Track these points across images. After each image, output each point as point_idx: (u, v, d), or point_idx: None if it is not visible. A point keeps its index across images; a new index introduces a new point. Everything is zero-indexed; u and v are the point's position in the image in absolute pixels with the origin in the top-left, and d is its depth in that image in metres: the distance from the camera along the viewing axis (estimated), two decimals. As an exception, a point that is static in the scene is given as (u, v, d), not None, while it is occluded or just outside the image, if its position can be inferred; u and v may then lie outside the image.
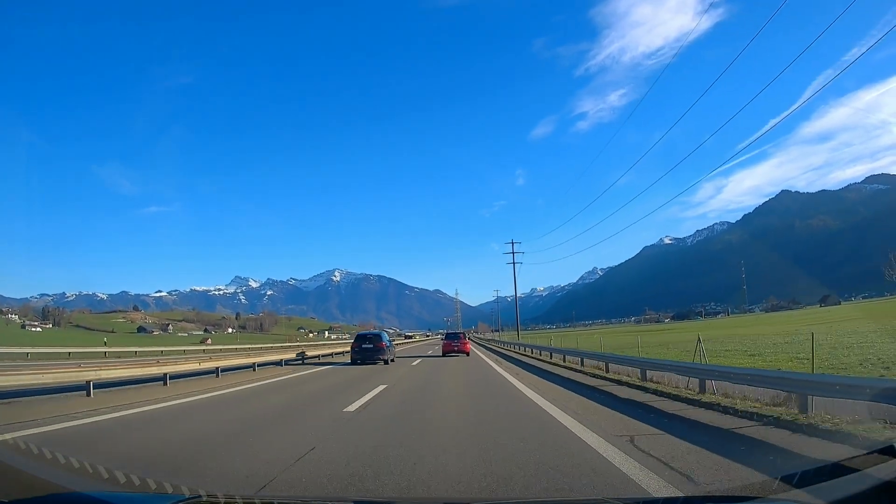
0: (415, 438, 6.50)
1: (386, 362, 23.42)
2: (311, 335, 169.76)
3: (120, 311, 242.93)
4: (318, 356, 28.82)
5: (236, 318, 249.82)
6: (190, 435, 7.19)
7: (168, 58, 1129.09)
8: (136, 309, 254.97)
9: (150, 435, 7.23)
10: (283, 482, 4.72)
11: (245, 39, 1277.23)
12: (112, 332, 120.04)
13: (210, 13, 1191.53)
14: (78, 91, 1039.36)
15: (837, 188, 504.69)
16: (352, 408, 9.32)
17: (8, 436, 6.42)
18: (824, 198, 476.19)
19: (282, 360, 23.84)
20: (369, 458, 5.44)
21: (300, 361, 25.87)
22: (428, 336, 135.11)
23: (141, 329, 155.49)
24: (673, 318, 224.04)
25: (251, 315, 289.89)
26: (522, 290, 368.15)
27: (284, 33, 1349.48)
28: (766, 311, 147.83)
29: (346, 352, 26.10)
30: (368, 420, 8.05)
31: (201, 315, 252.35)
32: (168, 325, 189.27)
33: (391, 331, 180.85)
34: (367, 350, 23.81)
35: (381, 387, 12.89)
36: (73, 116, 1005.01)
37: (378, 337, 25.01)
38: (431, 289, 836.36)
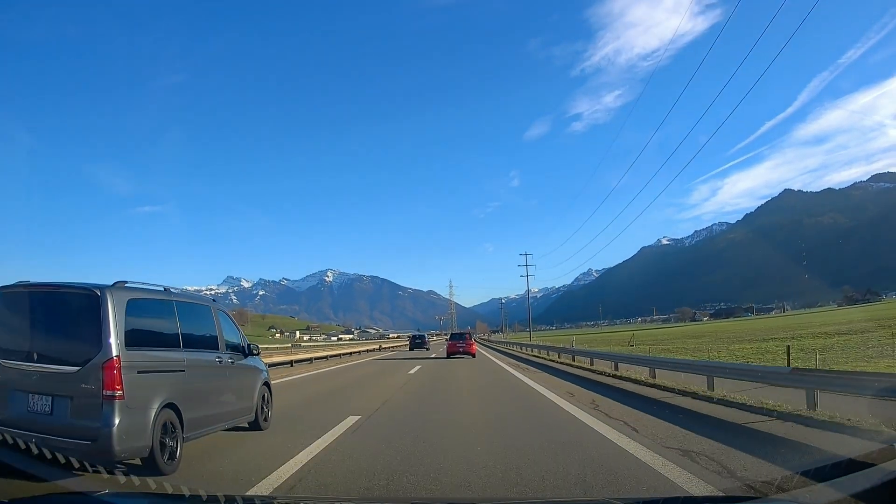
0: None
1: (427, 349, 45.49)
2: (278, 335, 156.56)
3: None
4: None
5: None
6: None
7: (161, 57, 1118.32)
8: None
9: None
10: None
11: (237, 39, 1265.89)
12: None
13: (203, 12, 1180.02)
14: (72, 90, 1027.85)
15: (843, 186, 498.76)
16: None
17: None
18: (830, 196, 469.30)
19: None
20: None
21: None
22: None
23: None
24: (712, 316, 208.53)
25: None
26: (517, 292, 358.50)
27: (277, 33, 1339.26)
28: (840, 306, 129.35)
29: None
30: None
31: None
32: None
33: (373, 331, 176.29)
34: (418, 343, 47.08)
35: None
36: (67, 115, 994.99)
37: (423, 336, 53.75)
38: (425, 289, 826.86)
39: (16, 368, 5.15)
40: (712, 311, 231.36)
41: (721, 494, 4.32)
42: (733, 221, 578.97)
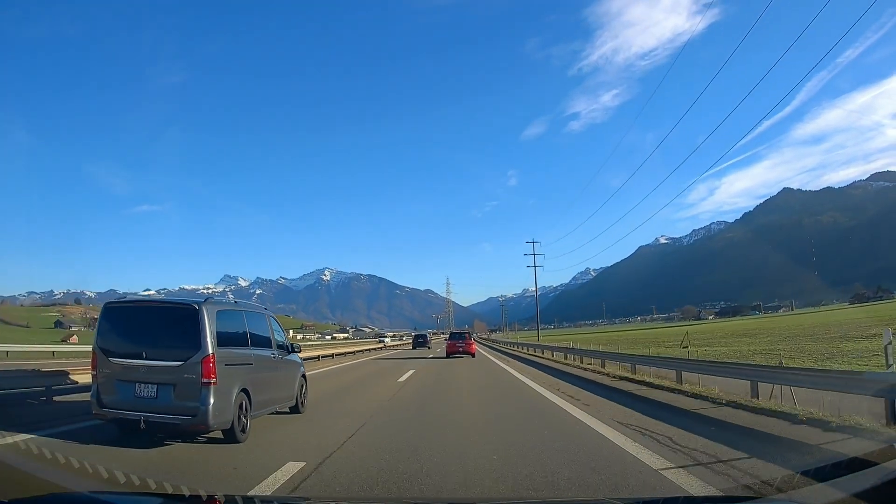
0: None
1: (428, 347, 48.79)
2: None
3: (58, 304, 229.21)
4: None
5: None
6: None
7: (159, 56, 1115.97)
8: (77, 303, 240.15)
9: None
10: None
11: (235, 39, 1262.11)
12: (27, 326, 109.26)
13: (201, 12, 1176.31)
14: (70, 89, 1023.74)
15: (842, 185, 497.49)
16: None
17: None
18: (829, 195, 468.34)
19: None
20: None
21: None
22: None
23: (58, 324, 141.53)
24: (717, 314, 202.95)
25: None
26: (514, 291, 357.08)
27: (274, 33, 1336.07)
28: (852, 303, 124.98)
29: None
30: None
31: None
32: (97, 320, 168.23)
33: (367, 330, 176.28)
34: (420, 342, 51.38)
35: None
36: (65, 115, 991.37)
37: (425, 335, 58.64)
38: (422, 288, 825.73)
39: (122, 364, 6.81)
40: (717, 310, 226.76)
41: (721, 494, 4.28)
42: (731, 220, 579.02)
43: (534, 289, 62.26)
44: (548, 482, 4.97)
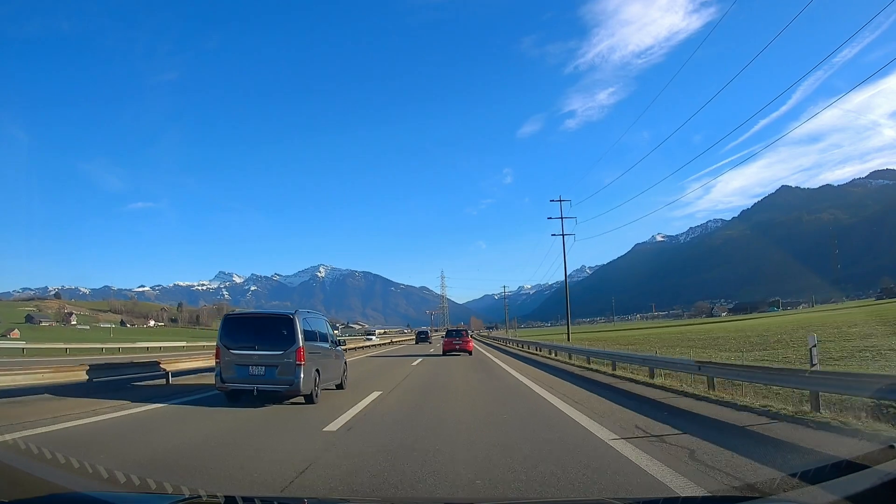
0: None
1: (430, 343, 54.32)
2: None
3: (37, 299, 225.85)
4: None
5: (178, 310, 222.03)
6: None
7: (155, 54, 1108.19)
8: (57, 297, 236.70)
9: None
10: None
11: (231, 37, 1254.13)
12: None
13: (197, 9, 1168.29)
14: (65, 87, 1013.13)
15: (841, 183, 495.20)
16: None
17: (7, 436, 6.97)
18: (828, 193, 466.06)
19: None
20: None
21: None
22: (406, 332, 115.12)
23: (29, 318, 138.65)
24: (731, 311, 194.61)
25: (203, 306, 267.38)
26: (510, 289, 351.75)
27: (271, 32, 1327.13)
28: (879, 299, 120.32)
29: None
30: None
31: (138, 305, 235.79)
32: (72, 314, 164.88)
33: (357, 327, 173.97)
34: (423, 338, 59.71)
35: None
36: (60, 113, 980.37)
37: (427, 332, 70.28)
38: (418, 286, 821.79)
39: (240, 354, 10.47)
40: (731, 306, 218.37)
41: (719, 495, 4.33)
42: (727, 219, 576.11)
43: (529, 286, 59.62)
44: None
